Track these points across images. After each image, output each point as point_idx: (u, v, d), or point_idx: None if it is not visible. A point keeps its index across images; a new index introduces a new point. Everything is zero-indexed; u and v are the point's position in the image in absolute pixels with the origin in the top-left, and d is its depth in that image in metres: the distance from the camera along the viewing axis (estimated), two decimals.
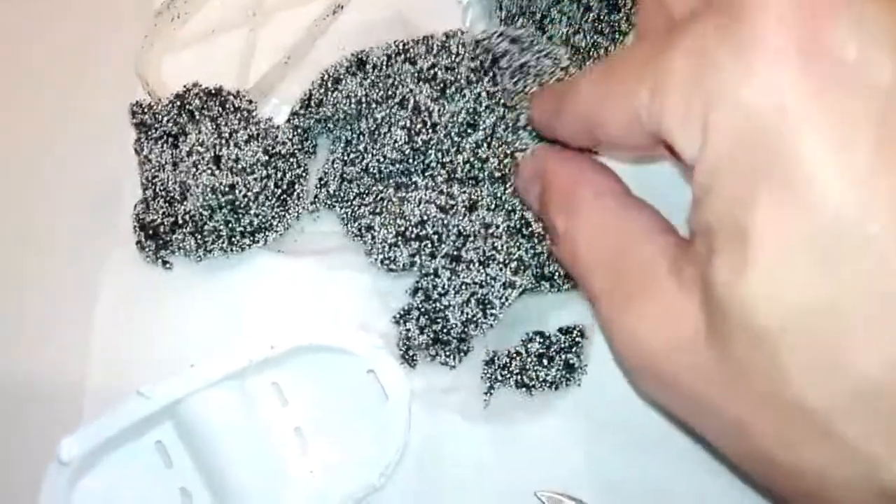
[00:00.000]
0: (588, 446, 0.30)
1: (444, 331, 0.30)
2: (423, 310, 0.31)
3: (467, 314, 0.30)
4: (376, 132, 0.34)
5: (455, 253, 0.31)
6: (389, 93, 0.33)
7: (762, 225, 0.14)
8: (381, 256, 0.31)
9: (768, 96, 0.14)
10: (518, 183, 0.30)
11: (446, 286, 0.31)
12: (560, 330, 0.31)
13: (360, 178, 0.34)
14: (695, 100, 0.15)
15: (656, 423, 0.30)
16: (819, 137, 0.13)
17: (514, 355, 0.31)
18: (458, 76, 0.33)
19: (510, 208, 0.32)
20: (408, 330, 0.31)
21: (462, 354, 0.31)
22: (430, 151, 0.33)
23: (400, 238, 0.31)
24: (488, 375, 0.31)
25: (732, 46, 0.14)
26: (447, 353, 0.31)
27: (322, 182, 0.34)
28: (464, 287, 0.30)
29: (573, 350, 0.31)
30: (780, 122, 0.13)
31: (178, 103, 0.33)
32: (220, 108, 0.33)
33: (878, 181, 0.13)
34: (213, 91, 0.33)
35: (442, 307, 0.31)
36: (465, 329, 0.30)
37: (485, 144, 0.33)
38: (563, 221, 0.22)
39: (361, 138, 0.34)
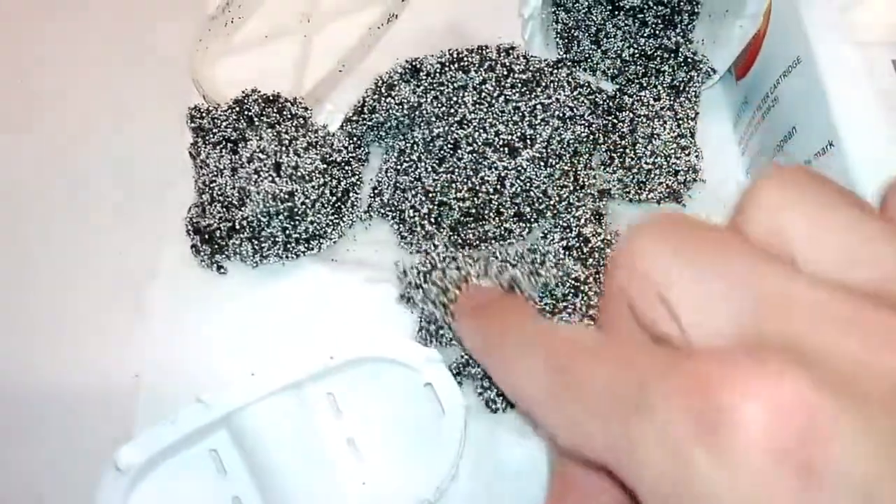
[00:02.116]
0: None
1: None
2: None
3: None
4: (432, 144, 0.34)
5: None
6: (450, 110, 0.33)
7: None
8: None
9: None
10: None
11: None
12: None
13: (414, 188, 0.34)
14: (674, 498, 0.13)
15: None
16: None
17: None
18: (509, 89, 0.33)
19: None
20: (468, 361, 0.31)
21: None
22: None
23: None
24: None
25: (714, 455, 0.13)
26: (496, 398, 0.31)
27: (376, 191, 0.34)
28: None
29: None
30: None
31: (238, 109, 0.33)
32: (279, 115, 0.33)
33: None
34: (272, 97, 0.33)
35: None
36: None
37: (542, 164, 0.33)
38: None
39: (415, 148, 0.34)
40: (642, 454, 0.14)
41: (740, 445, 0.12)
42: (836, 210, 0.15)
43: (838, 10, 0.29)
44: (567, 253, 0.32)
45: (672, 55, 0.35)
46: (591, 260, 0.32)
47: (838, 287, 0.14)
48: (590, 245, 0.32)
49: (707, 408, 0.13)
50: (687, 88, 0.34)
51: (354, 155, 0.34)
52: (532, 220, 0.34)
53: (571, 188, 0.34)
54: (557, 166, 0.33)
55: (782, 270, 0.14)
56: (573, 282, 0.31)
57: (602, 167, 0.34)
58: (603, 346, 0.17)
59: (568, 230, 0.33)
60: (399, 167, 0.34)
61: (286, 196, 0.31)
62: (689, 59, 0.35)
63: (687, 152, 0.33)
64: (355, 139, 0.34)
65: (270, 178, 0.31)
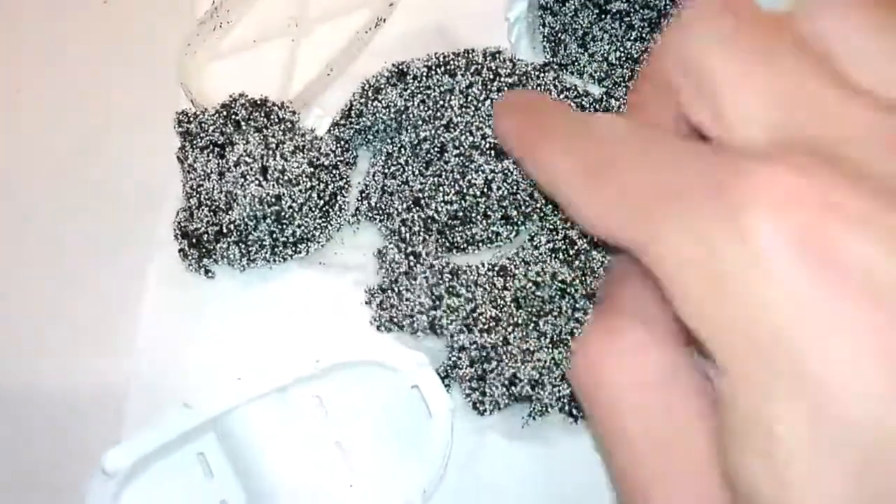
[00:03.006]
0: None
1: (495, 375, 0.30)
2: (474, 357, 0.31)
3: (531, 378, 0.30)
4: (419, 147, 0.34)
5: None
6: (437, 113, 0.33)
7: (784, 421, 0.13)
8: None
9: (778, 294, 0.13)
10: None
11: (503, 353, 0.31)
12: None
13: (402, 191, 0.34)
14: (702, 287, 0.14)
15: None
16: (829, 344, 0.13)
17: (566, 395, 0.31)
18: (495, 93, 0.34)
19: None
20: (456, 364, 0.31)
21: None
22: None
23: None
24: (538, 405, 0.31)
25: (735, 237, 0.13)
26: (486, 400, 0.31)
27: (363, 194, 0.34)
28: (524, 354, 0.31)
29: None
30: (792, 324, 0.13)
31: (225, 113, 0.33)
32: (266, 119, 0.33)
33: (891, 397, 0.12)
34: (259, 102, 0.34)
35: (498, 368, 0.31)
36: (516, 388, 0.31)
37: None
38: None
39: (403, 151, 0.34)
40: (674, 243, 0.14)
41: (758, 229, 0.13)
42: (887, 33, 0.15)
43: None
44: (553, 255, 0.32)
45: None
46: (577, 262, 0.32)
47: (882, 107, 0.14)
48: (576, 247, 0.32)
49: (732, 195, 0.14)
50: None
51: (342, 158, 0.34)
52: (519, 223, 0.34)
53: None
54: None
55: (830, 80, 0.15)
56: (559, 284, 0.32)
57: None
58: (642, 141, 0.17)
59: (554, 232, 0.33)
60: (387, 171, 0.34)
61: (273, 200, 0.31)
62: None
63: None
64: (343, 143, 0.34)
65: (257, 182, 0.31)
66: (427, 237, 0.34)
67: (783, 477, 0.13)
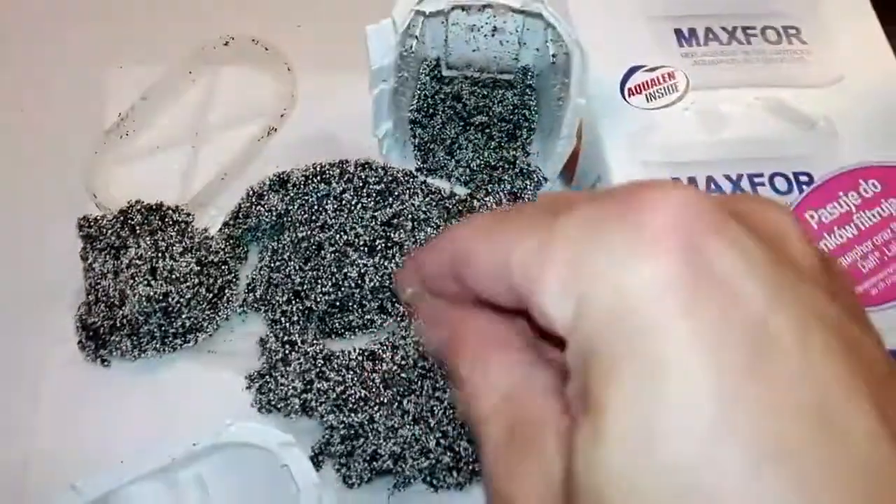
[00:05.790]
0: None
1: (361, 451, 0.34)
2: (345, 436, 0.35)
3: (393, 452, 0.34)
4: (298, 245, 0.38)
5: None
6: (314, 216, 0.38)
7: (620, 401, 0.14)
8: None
9: (649, 288, 0.14)
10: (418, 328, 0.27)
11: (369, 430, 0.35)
12: (468, 440, 0.35)
13: (284, 284, 0.38)
14: (581, 269, 0.15)
15: None
16: (687, 346, 0.14)
17: (425, 468, 0.34)
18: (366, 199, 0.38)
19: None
20: (329, 441, 0.34)
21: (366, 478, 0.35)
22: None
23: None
24: (401, 477, 0.34)
25: (625, 233, 0.15)
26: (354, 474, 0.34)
27: (250, 287, 0.38)
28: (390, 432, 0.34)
29: (478, 459, 0.34)
30: (654, 316, 0.14)
31: (122, 218, 0.37)
32: (161, 222, 0.37)
33: (735, 412, 0.13)
34: (154, 206, 0.38)
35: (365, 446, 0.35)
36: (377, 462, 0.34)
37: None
38: (466, 370, 0.20)
39: (286, 248, 0.39)
40: (563, 226, 0.16)
41: (649, 228, 0.15)
42: None
43: (628, 137, 0.35)
44: (415, 346, 0.36)
45: (511, 166, 0.40)
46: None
47: None
48: None
49: (630, 211, 0.15)
50: (522, 195, 0.39)
51: (232, 254, 0.38)
52: (392, 312, 0.38)
53: None
54: None
55: None
56: (420, 369, 0.36)
57: None
58: None
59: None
60: (272, 265, 0.39)
61: (160, 297, 0.35)
62: (524, 170, 0.40)
63: None
64: (233, 240, 0.39)
65: (146, 282, 0.35)
66: (307, 325, 0.38)
67: (604, 443, 0.14)
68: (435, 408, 0.36)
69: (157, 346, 0.36)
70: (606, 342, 0.15)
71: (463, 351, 0.20)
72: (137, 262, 0.35)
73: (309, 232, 0.38)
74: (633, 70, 0.37)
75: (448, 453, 0.34)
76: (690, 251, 0.14)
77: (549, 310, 0.16)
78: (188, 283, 0.36)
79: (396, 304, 0.38)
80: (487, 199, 0.40)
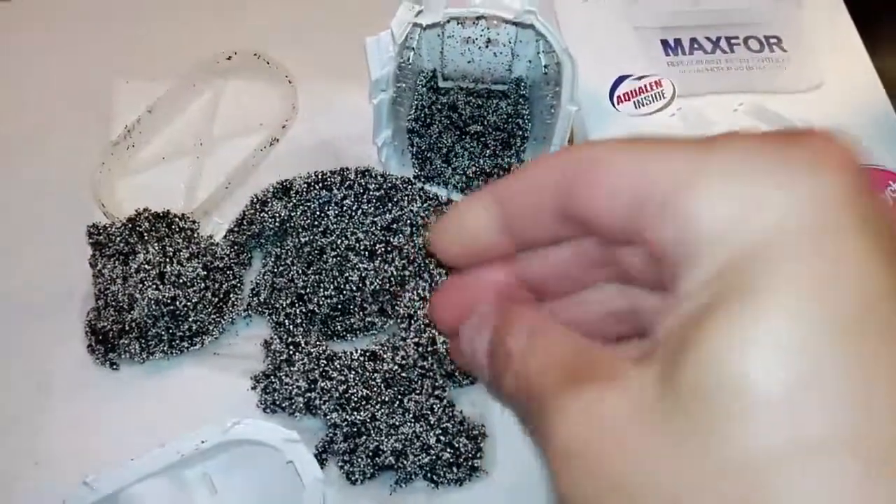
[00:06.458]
0: None
1: (363, 447, 0.35)
2: (347, 434, 0.36)
3: (395, 449, 0.35)
4: (301, 250, 0.40)
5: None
6: (315, 222, 0.39)
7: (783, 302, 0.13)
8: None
9: (830, 200, 0.14)
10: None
11: (371, 428, 0.36)
12: (468, 437, 0.36)
13: (288, 288, 0.39)
14: (744, 178, 0.15)
15: None
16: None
17: (426, 464, 0.35)
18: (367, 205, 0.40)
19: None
20: (332, 439, 0.36)
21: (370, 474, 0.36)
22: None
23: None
24: (402, 473, 0.35)
25: (796, 154, 0.14)
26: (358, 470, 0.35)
27: (254, 291, 0.40)
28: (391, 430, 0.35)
29: (478, 455, 0.36)
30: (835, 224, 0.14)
31: (130, 226, 0.38)
32: (168, 229, 0.38)
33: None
34: (161, 214, 0.39)
35: (368, 443, 0.35)
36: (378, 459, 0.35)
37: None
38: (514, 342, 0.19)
39: (289, 253, 0.40)
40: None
41: (822, 150, 0.14)
42: None
43: None
44: (416, 348, 0.38)
45: (506, 173, 0.42)
46: (435, 355, 0.37)
47: None
48: (435, 346, 0.37)
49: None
50: None
51: (236, 260, 0.39)
52: (392, 315, 0.39)
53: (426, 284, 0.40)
54: (410, 268, 0.39)
55: None
56: (420, 369, 0.37)
57: None
58: None
59: (421, 332, 0.38)
60: (276, 270, 0.40)
61: (168, 301, 0.36)
62: None
63: None
64: (237, 246, 0.40)
65: (154, 287, 0.36)
66: (310, 328, 0.39)
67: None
68: (435, 405, 0.37)
69: (165, 348, 0.37)
70: (778, 247, 0.14)
71: (519, 319, 0.18)
72: (146, 266, 0.36)
73: (311, 237, 0.39)
74: (621, 79, 0.39)
75: (448, 450, 0.35)
76: (862, 180, 0.14)
77: (701, 211, 0.15)
78: (195, 288, 0.37)
79: (396, 307, 0.39)
80: None
